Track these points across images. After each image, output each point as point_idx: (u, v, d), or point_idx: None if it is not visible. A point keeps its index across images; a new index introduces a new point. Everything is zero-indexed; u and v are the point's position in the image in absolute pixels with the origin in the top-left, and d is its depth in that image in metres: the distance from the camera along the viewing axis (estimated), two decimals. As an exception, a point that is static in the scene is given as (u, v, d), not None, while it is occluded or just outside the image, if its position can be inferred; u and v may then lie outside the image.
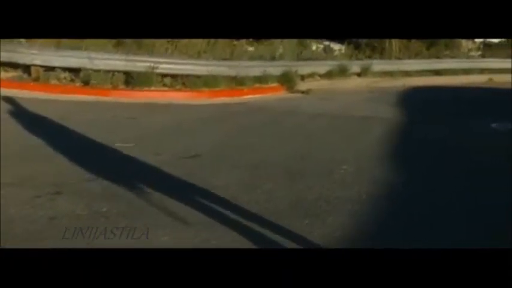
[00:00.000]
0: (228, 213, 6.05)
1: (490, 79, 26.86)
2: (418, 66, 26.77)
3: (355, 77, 23.94)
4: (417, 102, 18.62)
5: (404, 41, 30.15)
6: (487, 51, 34.58)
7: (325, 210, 6.36)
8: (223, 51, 21.54)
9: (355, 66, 24.21)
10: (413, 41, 30.21)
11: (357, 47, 29.25)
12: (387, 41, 29.45)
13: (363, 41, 28.98)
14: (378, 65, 25.04)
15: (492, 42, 54.61)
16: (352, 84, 22.76)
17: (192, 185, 7.11)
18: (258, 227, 5.64)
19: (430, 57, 28.85)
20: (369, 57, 27.01)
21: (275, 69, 20.49)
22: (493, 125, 13.45)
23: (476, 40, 56.23)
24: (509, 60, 29.27)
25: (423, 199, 7.08)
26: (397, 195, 7.26)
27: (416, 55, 28.81)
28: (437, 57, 28.94)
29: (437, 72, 26.88)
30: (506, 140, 11.67)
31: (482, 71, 27.85)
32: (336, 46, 28.82)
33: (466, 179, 8.30)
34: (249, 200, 6.59)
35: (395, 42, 29.73)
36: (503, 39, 50.58)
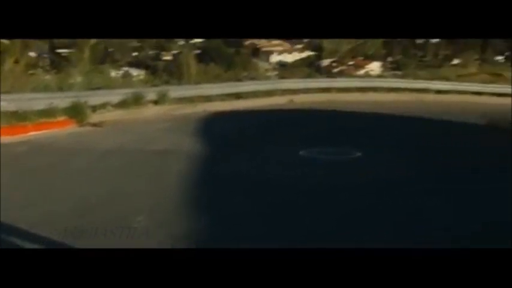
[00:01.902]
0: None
1: (291, 100, 26.39)
2: (218, 90, 25.66)
3: (152, 105, 22.32)
4: (218, 130, 17.62)
5: (203, 64, 29.63)
6: (283, 71, 34.87)
7: None
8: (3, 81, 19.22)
9: (152, 93, 22.60)
10: (211, 64, 29.78)
11: (154, 72, 28.11)
12: (185, 65, 28.68)
13: (161, 66, 28.13)
14: (176, 91, 23.61)
15: (287, 62, 56.39)
16: (149, 113, 21.14)
17: None
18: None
19: (229, 79, 28.05)
20: (167, 82, 25.69)
21: (63, 100, 18.47)
22: (301, 152, 12.56)
23: (272, 60, 57.90)
24: (308, 80, 29.43)
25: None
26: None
27: (216, 78, 27.89)
28: (238, 80, 28.20)
29: (238, 96, 25.93)
30: (314, 168, 10.86)
31: (282, 92, 27.28)
32: (135, 72, 27.42)
33: (269, 216, 7.82)
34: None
35: (193, 66, 29.00)
36: (297, 59, 52.44)
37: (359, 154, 12.49)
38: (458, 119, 19.74)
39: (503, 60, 68.73)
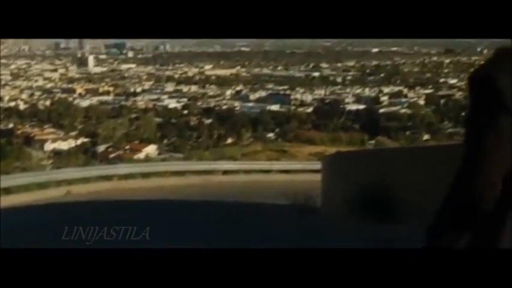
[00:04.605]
0: None
1: (69, 192, 24.13)
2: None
3: None
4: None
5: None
6: (58, 159, 32.92)
7: None
8: None
9: None
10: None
11: None
12: None
13: None
14: None
15: (62, 149, 54.12)
16: None
17: None
18: None
19: (-2, 173, 25.25)
20: None
21: None
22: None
23: (47, 148, 55.61)
24: (87, 168, 27.68)
25: None
26: None
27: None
28: (7, 173, 25.52)
29: (8, 191, 23.05)
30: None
31: (59, 183, 24.90)
32: None
33: None
34: None
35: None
36: (72, 146, 50.68)
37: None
38: (256, 200, 18.94)
39: (274, 137, 71.77)
